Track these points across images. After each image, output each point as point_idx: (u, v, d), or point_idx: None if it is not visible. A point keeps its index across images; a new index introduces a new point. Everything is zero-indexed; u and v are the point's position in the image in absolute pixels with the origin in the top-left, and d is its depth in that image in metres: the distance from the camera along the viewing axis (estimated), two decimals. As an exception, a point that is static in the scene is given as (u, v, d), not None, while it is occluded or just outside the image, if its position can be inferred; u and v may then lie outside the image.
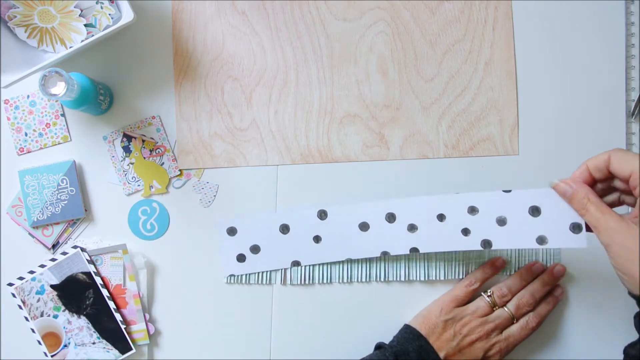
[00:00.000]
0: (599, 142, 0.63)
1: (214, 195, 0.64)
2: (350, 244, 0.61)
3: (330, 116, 0.64)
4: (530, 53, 0.63)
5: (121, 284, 0.64)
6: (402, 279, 0.62)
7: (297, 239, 0.62)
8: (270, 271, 0.63)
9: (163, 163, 0.65)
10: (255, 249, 0.62)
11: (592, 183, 0.50)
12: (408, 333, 0.59)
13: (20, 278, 0.64)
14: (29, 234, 0.65)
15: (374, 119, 0.64)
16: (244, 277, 0.64)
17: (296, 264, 0.62)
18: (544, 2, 0.63)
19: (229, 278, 0.64)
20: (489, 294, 0.60)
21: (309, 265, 0.63)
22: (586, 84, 0.63)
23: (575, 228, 0.53)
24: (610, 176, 0.49)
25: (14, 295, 0.64)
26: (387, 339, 0.60)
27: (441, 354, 0.57)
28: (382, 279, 0.63)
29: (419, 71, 0.64)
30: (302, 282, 0.63)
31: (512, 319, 0.59)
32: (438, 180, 0.63)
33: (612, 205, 0.50)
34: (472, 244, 0.56)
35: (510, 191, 0.54)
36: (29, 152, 0.65)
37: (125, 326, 0.63)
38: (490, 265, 0.62)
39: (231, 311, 0.64)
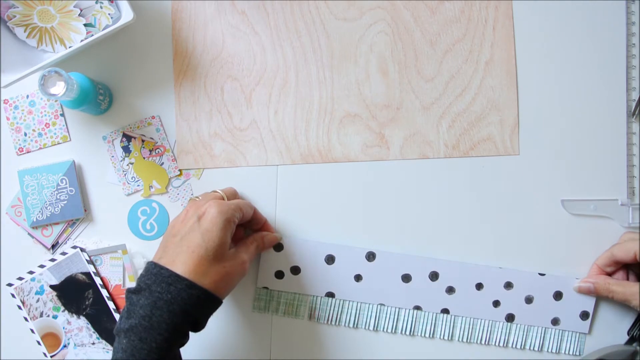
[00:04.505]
0: (599, 142, 0.63)
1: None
2: (387, 291, 0.62)
3: (330, 116, 0.64)
4: (531, 53, 0.63)
5: (121, 284, 0.64)
6: (427, 334, 0.63)
7: (338, 272, 0.63)
8: (299, 304, 0.63)
9: (163, 163, 0.64)
10: (295, 270, 0.63)
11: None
12: None
13: (20, 278, 0.64)
14: (29, 234, 0.65)
15: (374, 119, 0.64)
16: (272, 305, 0.63)
17: (330, 295, 0.63)
18: (544, 2, 0.63)
19: (255, 301, 0.63)
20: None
21: (338, 306, 0.63)
22: (587, 84, 0.63)
23: (584, 316, 0.61)
24: (618, 267, 0.59)
25: (13, 296, 0.64)
26: None
27: None
28: (408, 333, 0.63)
29: (419, 71, 0.64)
30: (329, 322, 0.63)
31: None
32: (438, 180, 0.63)
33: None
34: (498, 315, 0.62)
35: (544, 275, 0.62)
36: (28, 152, 0.65)
37: (124, 326, 0.63)
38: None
39: (231, 311, 0.64)
